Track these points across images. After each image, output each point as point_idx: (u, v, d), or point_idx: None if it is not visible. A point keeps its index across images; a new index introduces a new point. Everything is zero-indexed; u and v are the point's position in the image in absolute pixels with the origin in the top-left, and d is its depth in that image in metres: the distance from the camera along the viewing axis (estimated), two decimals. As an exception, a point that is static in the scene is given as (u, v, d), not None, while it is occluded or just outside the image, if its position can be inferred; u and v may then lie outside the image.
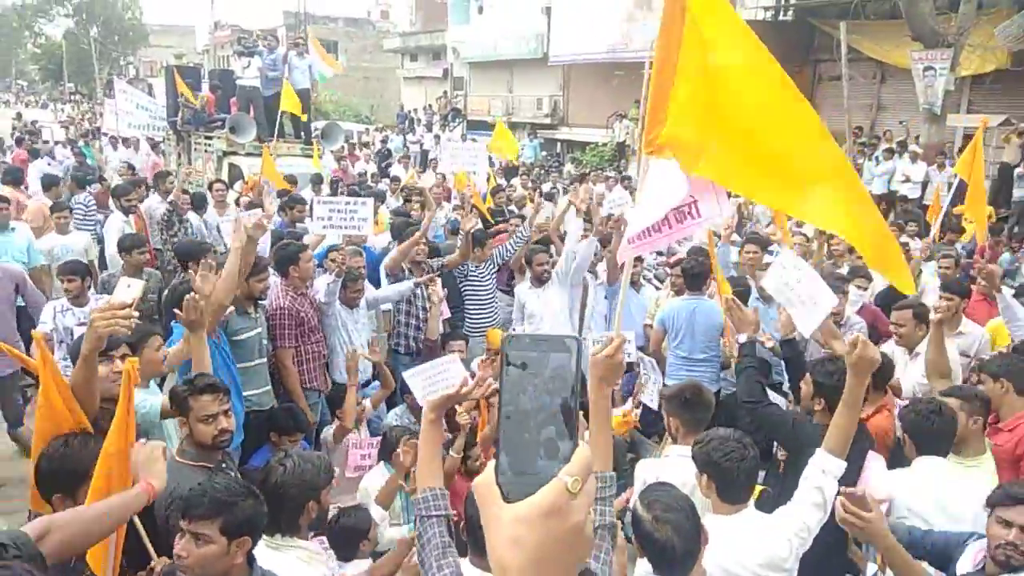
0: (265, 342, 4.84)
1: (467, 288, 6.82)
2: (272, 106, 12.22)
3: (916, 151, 14.62)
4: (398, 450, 4.02)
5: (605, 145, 24.05)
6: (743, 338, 3.97)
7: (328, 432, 4.83)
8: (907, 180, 14.32)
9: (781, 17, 20.04)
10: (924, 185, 14.15)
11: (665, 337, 5.86)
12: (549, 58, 27.56)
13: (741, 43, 2.64)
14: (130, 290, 2.85)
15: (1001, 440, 3.74)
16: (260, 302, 4.94)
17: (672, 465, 3.30)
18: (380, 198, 10.17)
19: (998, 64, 15.21)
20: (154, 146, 16.37)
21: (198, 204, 8.90)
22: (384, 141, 25.20)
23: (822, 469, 2.76)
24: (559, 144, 27.87)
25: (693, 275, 5.84)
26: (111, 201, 8.89)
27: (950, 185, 14.08)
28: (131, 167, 13.23)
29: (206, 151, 13.27)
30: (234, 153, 12.37)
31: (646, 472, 3.33)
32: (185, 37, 59.25)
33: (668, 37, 2.62)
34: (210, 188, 9.67)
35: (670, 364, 5.75)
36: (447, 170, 9.97)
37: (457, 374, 4.19)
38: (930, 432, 3.30)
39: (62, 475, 2.60)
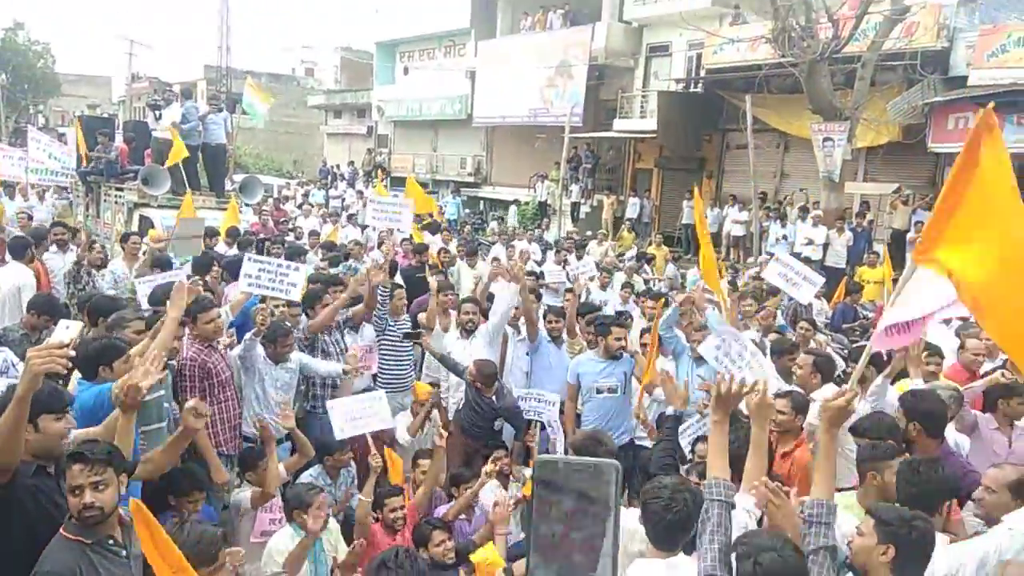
0: (167, 405, 4.61)
1: (384, 342, 6.75)
2: (189, 159, 12.02)
3: (818, 215, 15.45)
4: (306, 515, 3.91)
5: (527, 204, 24.50)
6: (670, 410, 4.03)
7: (242, 496, 4.60)
8: (809, 243, 15.07)
9: (692, 89, 21.08)
10: (825, 247, 14.93)
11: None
12: (473, 119, 28.11)
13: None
14: (68, 331, 3.04)
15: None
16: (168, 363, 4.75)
17: None
18: (300, 254, 9.97)
19: (891, 136, 16.38)
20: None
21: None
22: (306, 195, 25.00)
23: (745, 509, 2.91)
24: (482, 202, 28.25)
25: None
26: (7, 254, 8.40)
27: (848, 248, 14.94)
28: (30, 217, 12.66)
29: (116, 203, 12.87)
30: (146, 205, 12.03)
31: None
32: (101, 88, 57.73)
33: (963, 169, 2.97)
34: (124, 241, 9.32)
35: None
36: (370, 224, 9.83)
37: (383, 411, 4.14)
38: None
39: None
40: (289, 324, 5.85)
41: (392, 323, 6.76)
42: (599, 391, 5.92)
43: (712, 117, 20.77)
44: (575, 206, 23.02)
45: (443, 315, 7.21)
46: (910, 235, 14.54)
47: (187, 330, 5.00)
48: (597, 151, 23.95)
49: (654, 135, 20.87)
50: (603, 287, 10.11)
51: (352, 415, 4.12)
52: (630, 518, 3.11)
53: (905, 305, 3.22)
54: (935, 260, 2.98)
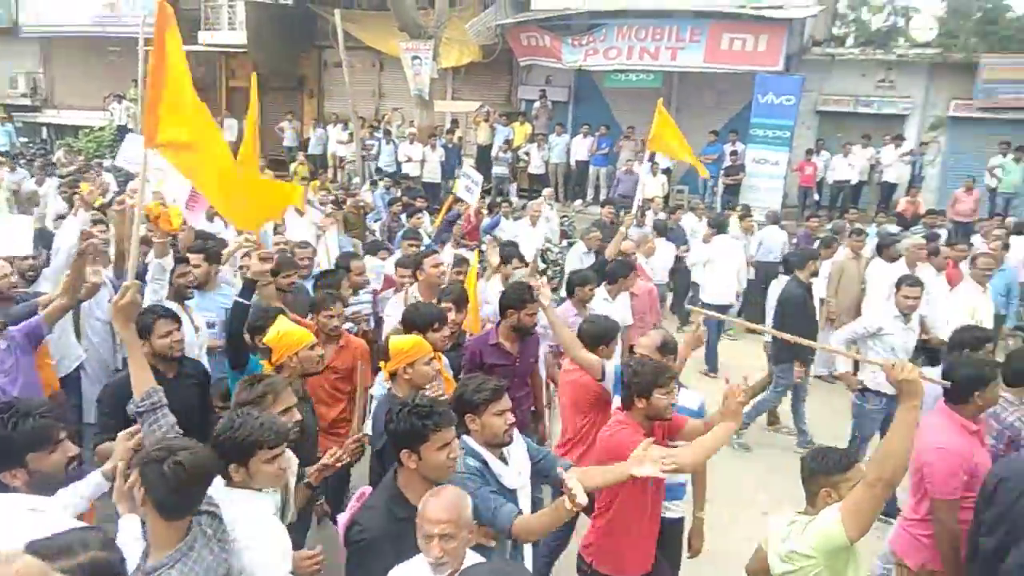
0: None
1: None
2: None
3: (413, 133, 16.25)
4: None
5: (103, 129, 21.57)
6: None
7: None
8: (409, 160, 15.86)
9: (281, 1, 20.24)
10: (422, 164, 15.83)
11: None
12: (21, 28, 23.57)
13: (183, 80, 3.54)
14: None
15: None
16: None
17: None
18: None
19: (472, 56, 17.66)
20: None
21: None
22: None
23: None
24: (45, 129, 24.15)
25: None
26: None
27: (442, 163, 15.95)
28: None
29: None
30: None
31: None
32: None
33: (157, 56, 3.44)
34: None
35: None
36: None
37: None
38: None
39: None
40: None
41: None
42: None
43: (308, 32, 20.27)
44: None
45: None
46: (494, 151, 16.14)
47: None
48: (184, 67, 21.87)
49: (246, 50, 19.79)
50: None
51: None
52: None
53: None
54: (161, 144, 3.48)
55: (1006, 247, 8.91)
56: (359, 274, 5.95)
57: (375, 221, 11.21)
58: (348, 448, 3.35)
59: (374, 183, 14.18)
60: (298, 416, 3.15)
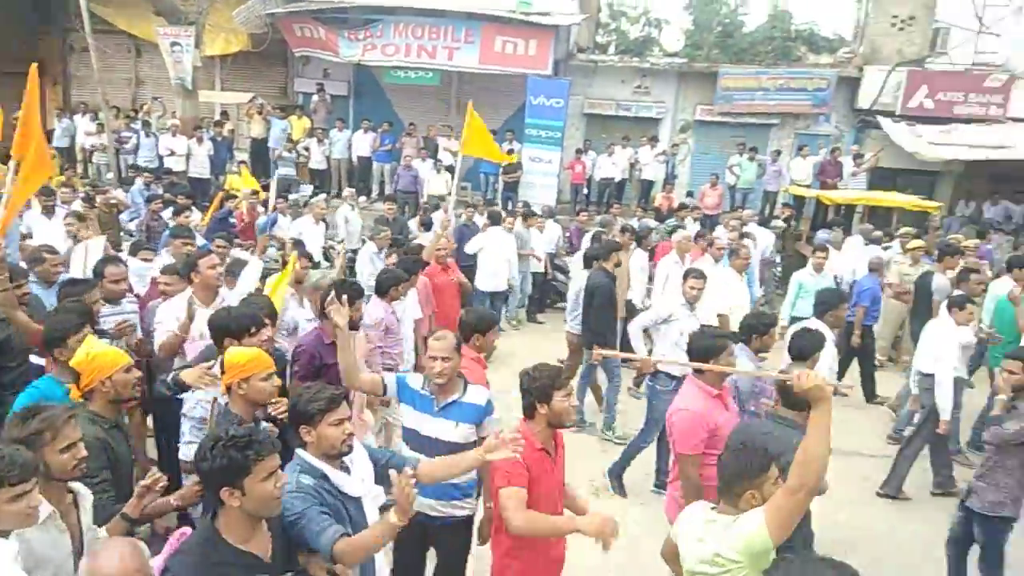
0: None
1: None
2: None
3: (176, 125, 15.14)
4: None
5: None
6: None
7: None
8: (172, 154, 14.72)
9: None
10: (188, 158, 14.77)
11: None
12: None
13: None
14: None
15: None
16: None
17: None
18: None
19: (241, 46, 16.76)
20: None
21: None
22: None
23: None
24: None
25: None
26: None
27: (211, 157, 15.05)
28: None
29: None
30: None
31: None
32: None
33: None
34: None
35: None
36: None
37: None
38: None
39: None
40: None
41: None
42: None
43: (48, 13, 18.11)
44: None
45: None
46: (272, 145, 15.48)
47: None
48: None
49: (-34, 29, 17.27)
50: None
51: None
52: None
53: None
54: None
55: (743, 236, 10.12)
56: (115, 281, 5.22)
57: (131, 220, 10.30)
58: (190, 490, 3.04)
59: (123, 180, 12.99)
60: (83, 453, 2.77)
